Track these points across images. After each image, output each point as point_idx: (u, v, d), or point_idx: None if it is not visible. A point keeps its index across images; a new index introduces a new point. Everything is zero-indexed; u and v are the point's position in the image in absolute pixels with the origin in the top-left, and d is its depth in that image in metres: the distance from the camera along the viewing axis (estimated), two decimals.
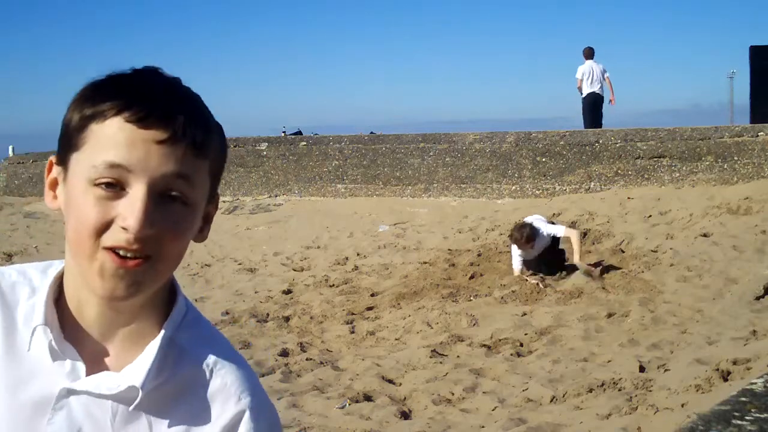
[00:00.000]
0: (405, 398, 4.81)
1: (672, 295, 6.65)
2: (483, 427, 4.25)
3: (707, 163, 10.79)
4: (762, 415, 1.33)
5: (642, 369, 4.80)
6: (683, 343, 5.31)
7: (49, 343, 0.93)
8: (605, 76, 13.39)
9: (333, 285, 8.15)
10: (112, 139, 0.88)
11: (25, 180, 15.36)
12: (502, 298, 7.02)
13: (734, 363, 4.38)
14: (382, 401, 4.69)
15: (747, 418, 1.33)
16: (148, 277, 0.91)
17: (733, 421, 1.31)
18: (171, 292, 1.02)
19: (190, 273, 9.02)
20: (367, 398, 4.77)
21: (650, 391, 4.32)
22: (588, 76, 13.41)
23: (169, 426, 0.96)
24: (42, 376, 0.94)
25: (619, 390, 4.45)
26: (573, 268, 7.67)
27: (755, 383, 1.54)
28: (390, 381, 5.13)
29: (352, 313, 6.98)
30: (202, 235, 0.99)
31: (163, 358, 0.96)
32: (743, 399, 1.43)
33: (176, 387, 0.97)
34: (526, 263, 7.76)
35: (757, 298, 6.05)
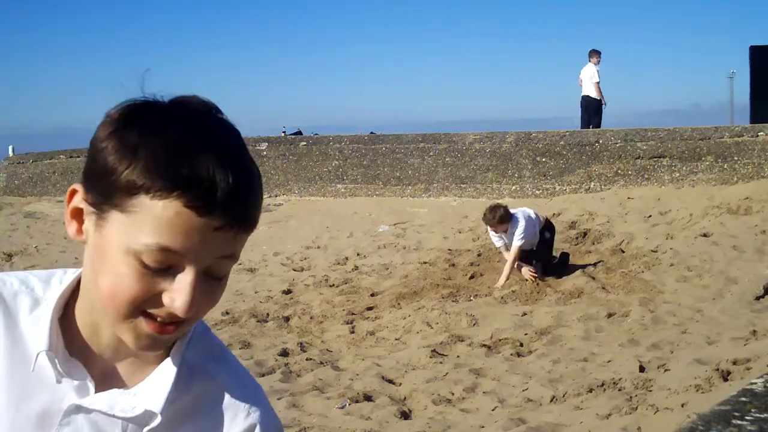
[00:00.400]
0: (405, 398, 4.81)
1: (672, 295, 6.65)
2: (483, 427, 4.25)
3: (707, 163, 10.79)
4: (762, 415, 1.33)
5: (642, 369, 4.80)
6: (683, 343, 5.31)
7: (55, 366, 0.92)
8: (593, 81, 13.47)
9: (333, 285, 8.15)
10: (168, 222, 0.82)
11: (25, 180, 15.36)
12: (502, 298, 7.03)
13: (734, 363, 4.38)
14: (382, 401, 4.69)
15: (747, 418, 1.33)
16: (179, 333, 0.91)
17: (733, 421, 1.31)
18: None
19: None
20: (367, 398, 4.77)
21: (650, 391, 4.32)
22: (584, 78, 13.65)
23: None
24: (48, 389, 0.93)
25: (619, 390, 4.45)
26: (562, 267, 7.71)
27: (755, 383, 1.54)
28: (390, 381, 5.13)
29: (352, 313, 6.99)
30: None
31: (177, 379, 0.96)
32: (743, 399, 1.43)
33: (186, 404, 0.96)
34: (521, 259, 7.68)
35: (757, 298, 6.06)
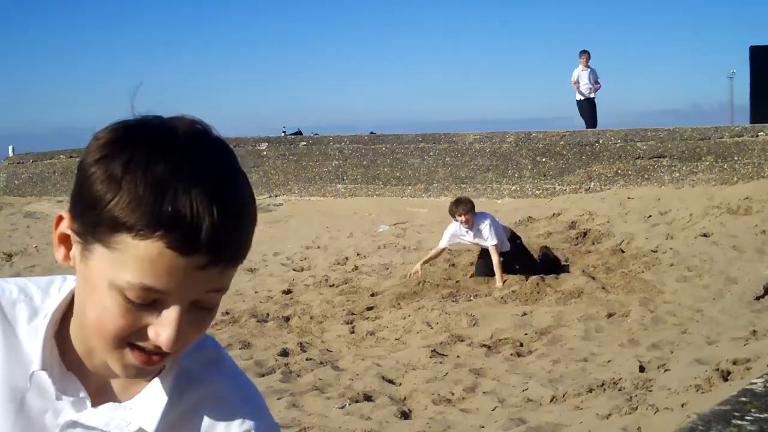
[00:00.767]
0: (405, 398, 4.81)
1: (672, 295, 6.65)
2: (483, 427, 4.25)
3: (707, 163, 10.79)
4: (762, 415, 1.33)
5: (642, 369, 4.80)
6: (683, 343, 5.31)
7: (54, 382, 0.92)
8: (582, 83, 13.43)
9: (333, 285, 8.15)
10: (151, 263, 0.80)
11: (25, 180, 15.36)
12: (502, 298, 7.03)
13: (734, 363, 4.38)
14: (382, 401, 4.69)
15: (747, 418, 1.33)
16: (167, 362, 0.91)
17: (733, 421, 1.31)
18: None
19: None
20: (367, 398, 4.77)
21: (650, 391, 4.32)
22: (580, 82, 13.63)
23: None
24: (46, 403, 0.93)
25: (619, 390, 4.44)
26: (551, 263, 7.71)
27: (755, 383, 1.54)
28: (390, 381, 5.13)
29: (352, 313, 6.98)
30: None
31: (172, 390, 0.96)
32: (743, 399, 1.43)
33: (181, 412, 0.96)
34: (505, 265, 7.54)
35: (757, 298, 6.06)
